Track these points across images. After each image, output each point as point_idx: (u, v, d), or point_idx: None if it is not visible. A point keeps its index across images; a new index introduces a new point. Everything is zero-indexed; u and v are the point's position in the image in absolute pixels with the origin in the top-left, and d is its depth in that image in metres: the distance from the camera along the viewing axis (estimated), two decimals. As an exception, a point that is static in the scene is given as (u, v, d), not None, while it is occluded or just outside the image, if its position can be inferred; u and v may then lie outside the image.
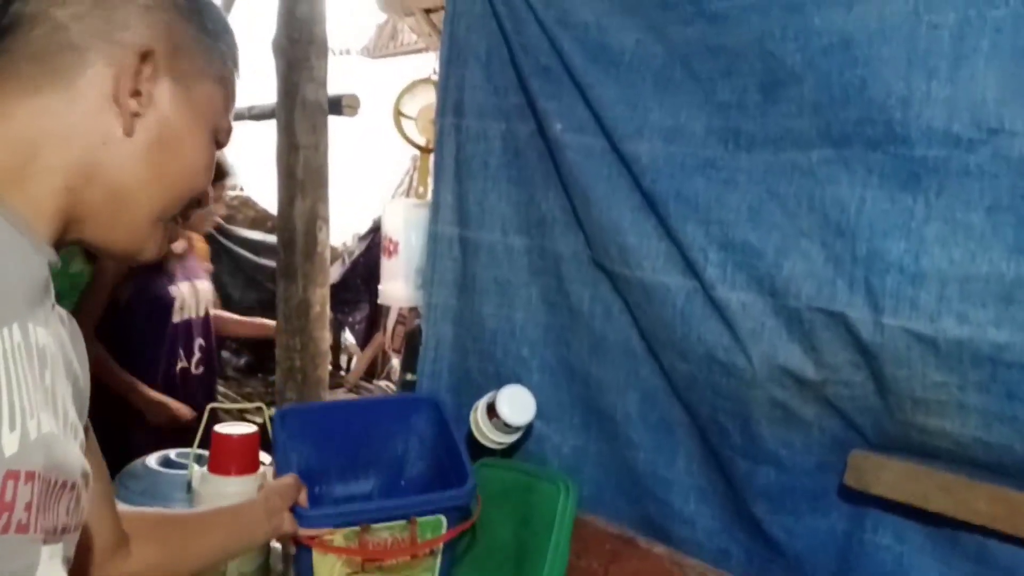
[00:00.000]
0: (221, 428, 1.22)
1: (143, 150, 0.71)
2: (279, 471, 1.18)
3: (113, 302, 2.26)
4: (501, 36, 1.44)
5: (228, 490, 1.20)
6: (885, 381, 1.01)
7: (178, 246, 2.37)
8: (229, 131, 0.79)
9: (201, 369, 2.47)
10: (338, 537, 1.15)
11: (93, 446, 0.87)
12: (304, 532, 1.12)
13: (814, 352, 1.06)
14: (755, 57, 1.10)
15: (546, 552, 1.25)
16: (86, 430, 0.87)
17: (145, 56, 0.69)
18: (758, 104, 1.10)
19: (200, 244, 2.57)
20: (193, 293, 2.44)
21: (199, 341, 2.45)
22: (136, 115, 0.70)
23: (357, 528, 1.15)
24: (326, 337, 2.46)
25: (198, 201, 0.78)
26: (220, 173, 2.28)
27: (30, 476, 0.64)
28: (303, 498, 1.13)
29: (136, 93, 0.70)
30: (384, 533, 1.18)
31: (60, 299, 0.78)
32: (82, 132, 0.69)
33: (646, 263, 1.22)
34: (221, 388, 5.07)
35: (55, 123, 0.69)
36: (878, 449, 1.06)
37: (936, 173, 0.95)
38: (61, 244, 0.73)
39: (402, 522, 1.19)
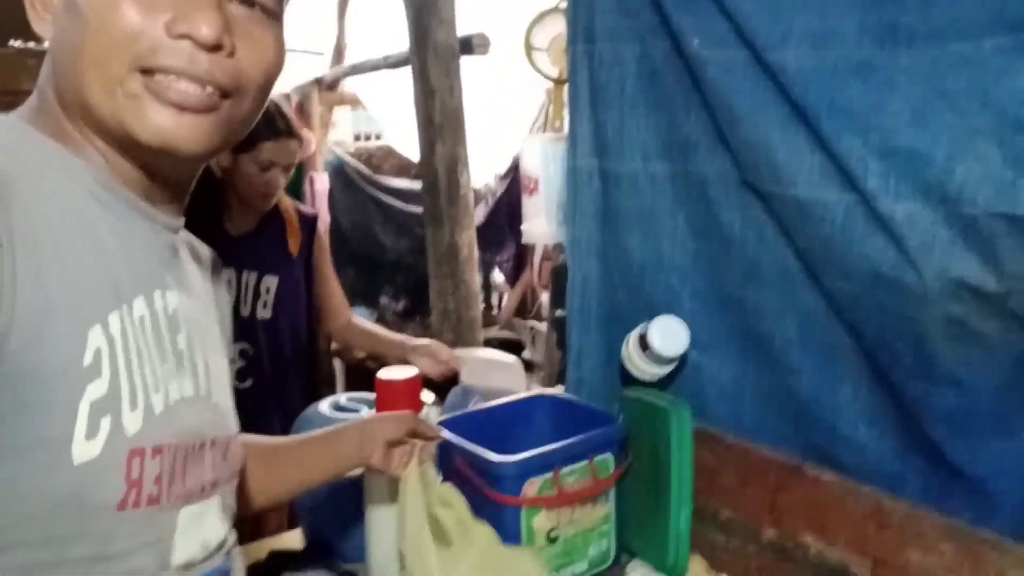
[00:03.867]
0: (384, 373, 1.26)
1: (58, 32, 0.68)
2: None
3: None
4: (629, -48, 1.37)
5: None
6: (1081, 289, 0.91)
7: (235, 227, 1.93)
8: None
9: (249, 382, 1.91)
10: (534, 491, 1.20)
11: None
12: (509, 498, 1.17)
13: (995, 262, 0.97)
14: (912, -59, 0.99)
15: (671, 479, 1.25)
16: None
17: None
18: (918, -6, 1.00)
19: (291, 218, 2.04)
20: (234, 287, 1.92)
21: (240, 345, 1.91)
22: (44, 20, 0.70)
23: (550, 475, 1.21)
24: (476, 279, 2.50)
25: (147, 40, 0.65)
26: (276, 131, 1.85)
27: (157, 450, 0.66)
28: (424, 429, 1.11)
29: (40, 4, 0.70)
30: (570, 478, 1.24)
31: None
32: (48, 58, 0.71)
33: (800, 179, 1.15)
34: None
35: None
36: (1073, 364, 0.97)
37: None
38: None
39: (583, 464, 1.25)
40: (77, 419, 0.60)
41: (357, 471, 1.13)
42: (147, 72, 0.65)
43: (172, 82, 0.65)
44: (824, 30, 1.09)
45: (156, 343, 0.69)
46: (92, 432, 0.61)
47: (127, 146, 0.68)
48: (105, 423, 0.62)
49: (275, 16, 0.72)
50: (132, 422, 0.64)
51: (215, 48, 0.66)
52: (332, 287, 2.11)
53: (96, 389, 0.61)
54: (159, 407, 0.67)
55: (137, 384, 0.65)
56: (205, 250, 0.89)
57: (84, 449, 0.60)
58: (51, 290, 0.59)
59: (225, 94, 0.68)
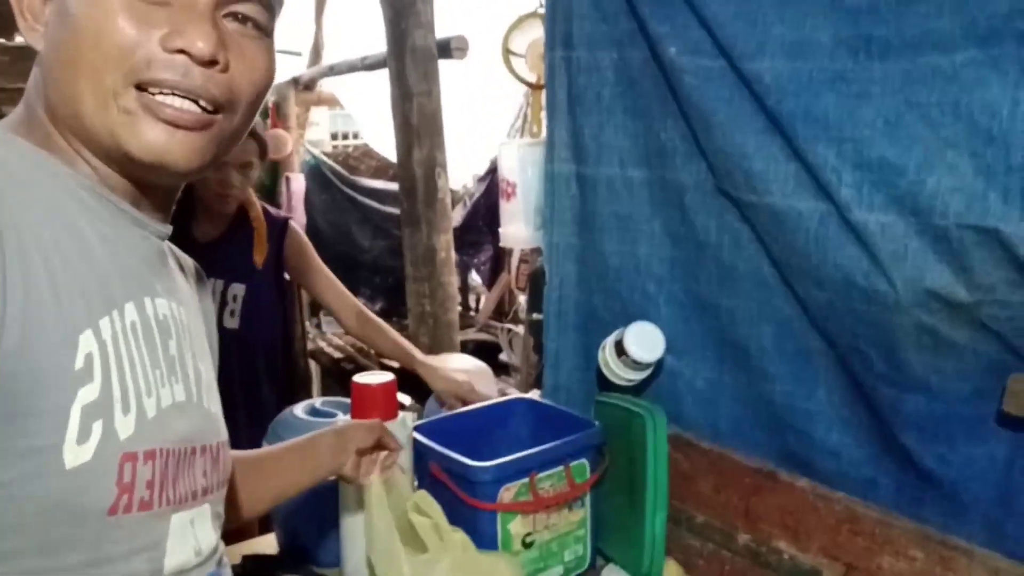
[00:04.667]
0: (360, 378, 1.25)
1: (51, 43, 0.69)
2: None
3: None
4: (607, -41, 1.38)
5: (370, 437, 1.24)
6: (1048, 299, 0.93)
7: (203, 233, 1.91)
8: None
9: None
10: (510, 496, 1.20)
11: None
12: (485, 504, 1.18)
13: (965, 272, 0.99)
14: (886, -46, 1.01)
15: (646, 484, 1.26)
16: None
17: None
18: (892, 7, 1.02)
19: (260, 227, 2.00)
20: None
21: None
22: (35, 30, 0.70)
23: (526, 480, 1.21)
24: (454, 281, 2.50)
25: (139, 55, 0.66)
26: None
27: (150, 455, 0.66)
28: (388, 440, 1.11)
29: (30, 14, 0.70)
30: (546, 483, 1.24)
31: None
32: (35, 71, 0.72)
33: (775, 188, 1.16)
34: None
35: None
36: (1041, 372, 0.98)
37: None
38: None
39: (559, 469, 1.26)
40: (69, 423, 0.60)
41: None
42: (141, 87, 0.66)
43: (166, 98, 0.66)
44: (799, 40, 1.11)
45: (148, 348, 0.69)
46: (84, 436, 0.61)
47: (118, 159, 0.69)
48: (97, 427, 0.62)
49: (267, 32, 0.73)
50: (124, 426, 0.64)
51: (210, 63, 0.67)
52: (329, 285, 2.04)
53: (88, 393, 0.62)
54: (151, 412, 0.67)
55: (129, 389, 0.65)
56: (188, 260, 0.89)
57: (76, 453, 0.60)
58: (40, 295, 0.60)
59: (218, 108, 0.69)
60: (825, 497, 1.11)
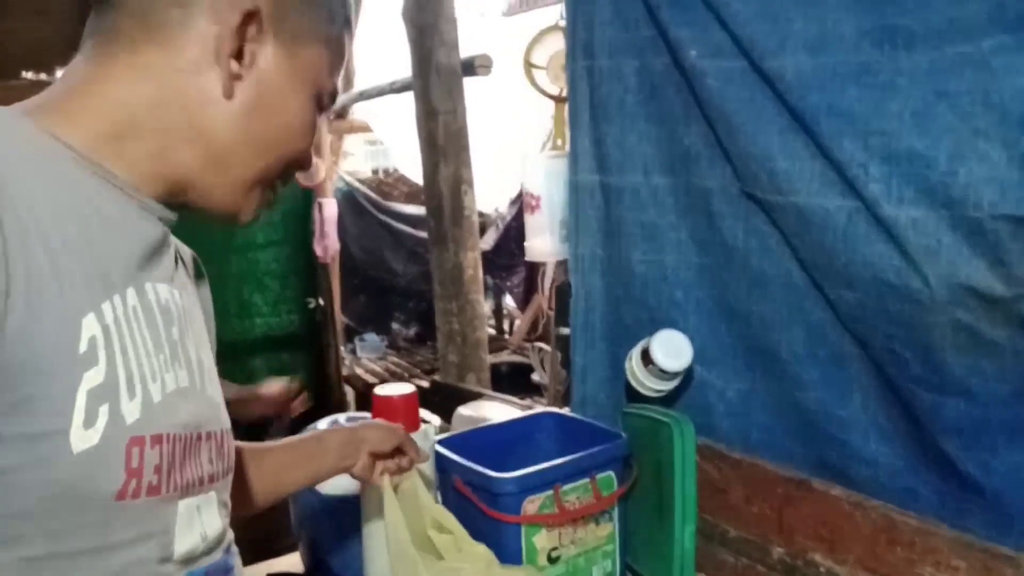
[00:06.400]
0: (381, 390, 1.24)
1: (242, 113, 0.70)
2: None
3: None
4: (627, -33, 1.37)
5: (392, 450, 1.22)
6: (1091, 292, 0.88)
7: None
8: (333, 94, 0.77)
9: None
10: (534, 508, 1.18)
11: None
12: (508, 516, 1.16)
13: (1002, 266, 0.94)
14: (909, -58, 0.98)
15: (674, 495, 1.23)
16: None
17: (250, 15, 0.67)
18: (916, -5, 0.99)
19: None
20: None
21: None
22: (237, 77, 0.69)
23: (551, 492, 1.19)
24: (482, 300, 2.48)
25: (299, 164, 0.78)
26: None
27: (157, 439, 0.65)
28: (409, 448, 1.09)
29: (239, 54, 0.69)
30: (571, 496, 1.21)
31: None
32: (181, 93, 0.68)
33: (800, 187, 1.13)
34: (393, 357, 5.30)
35: (153, 84, 0.68)
36: (1087, 370, 0.93)
37: None
38: (169, 206, 0.73)
39: (584, 481, 1.23)
40: (75, 407, 0.59)
41: (353, 488, 1.11)
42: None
43: None
44: (822, 34, 1.08)
45: (151, 333, 0.68)
46: (90, 421, 0.60)
47: (187, 205, 0.74)
48: (103, 411, 0.61)
49: None
50: (131, 411, 0.63)
51: None
52: None
53: (93, 377, 0.61)
54: (157, 396, 0.67)
55: (134, 373, 0.65)
56: (186, 250, 0.88)
57: (83, 438, 0.60)
58: (43, 278, 0.59)
59: None
60: (860, 505, 1.06)
